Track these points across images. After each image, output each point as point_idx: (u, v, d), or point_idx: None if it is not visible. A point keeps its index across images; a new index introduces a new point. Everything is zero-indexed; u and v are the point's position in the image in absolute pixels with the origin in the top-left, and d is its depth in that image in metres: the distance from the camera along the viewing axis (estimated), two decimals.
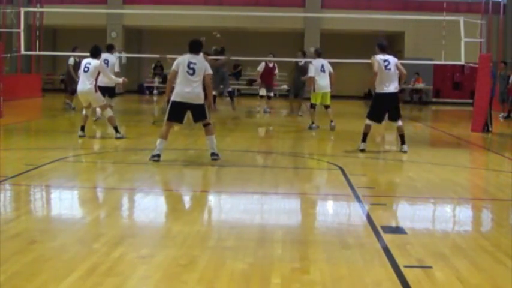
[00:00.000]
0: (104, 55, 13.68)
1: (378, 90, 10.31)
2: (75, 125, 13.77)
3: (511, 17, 26.63)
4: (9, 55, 19.91)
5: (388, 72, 10.26)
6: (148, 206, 6.78)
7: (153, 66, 29.75)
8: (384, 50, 10.46)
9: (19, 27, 16.28)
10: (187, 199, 7.26)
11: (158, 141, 8.94)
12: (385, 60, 10.30)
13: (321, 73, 13.95)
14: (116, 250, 4.75)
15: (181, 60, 9.00)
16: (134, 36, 29.55)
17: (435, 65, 25.39)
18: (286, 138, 13.57)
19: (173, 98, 8.93)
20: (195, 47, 9.11)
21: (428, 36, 23.98)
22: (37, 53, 22.13)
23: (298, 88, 17.56)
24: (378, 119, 10.60)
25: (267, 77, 18.92)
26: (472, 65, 17.27)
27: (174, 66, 9.03)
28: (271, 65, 18.99)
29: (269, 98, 19.15)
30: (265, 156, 10.39)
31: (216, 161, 8.94)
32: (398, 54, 27.31)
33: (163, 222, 6.07)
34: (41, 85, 25.24)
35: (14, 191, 7.19)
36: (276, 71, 19.24)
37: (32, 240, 4.99)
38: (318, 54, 14.24)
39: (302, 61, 17.07)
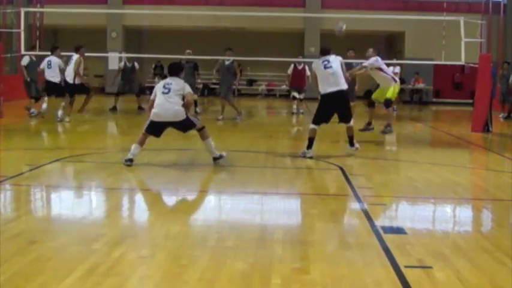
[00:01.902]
0: (48, 57, 15.37)
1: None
2: (75, 125, 13.78)
3: (511, 17, 26.63)
4: (9, 55, 19.92)
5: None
6: (148, 206, 6.78)
7: (153, 66, 29.74)
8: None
9: (19, 27, 16.28)
10: (187, 199, 7.26)
11: (133, 146, 8.72)
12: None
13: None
14: (116, 250, 4.75)
15: (158, 85, 8.89)
16: (134, 36, 29.55)
17: (435, 65, 25.40)
18: (286, 138, 13.58)
19: (152, 118, 8.75)
20: (173, 70, 8.98)
21: (428, 36, 23.98)
22: (37, 53, 22.12)
23: (225, 89, 16.69)
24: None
25: (297, 78, 18.65)
26: (472, 65, 17.26)
27: (152, 96, 8.89)
28: (300, 66, 18.69)
29: (300, 99, 18.73)
30: (265, 156, 10.38)
31: (218, 162, 8.81)
32: (399, 55, 27.44)
33: (163, 222, 6.06)
34: (42, 85, 25.22)
35: (14, 191, 7.19)
36: (308, 73, 18.48)
37: (32, 240, 4.99)
38: (378, 53, 12.56)
39: (231, 59, 16.46)
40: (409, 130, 16.94)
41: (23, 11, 16.11)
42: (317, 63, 10.08)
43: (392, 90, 12.25)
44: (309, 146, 9.94)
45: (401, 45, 27.86)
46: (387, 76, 12.30)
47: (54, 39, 30.09)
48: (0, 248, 4.68)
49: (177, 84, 8.78)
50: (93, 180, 7.96)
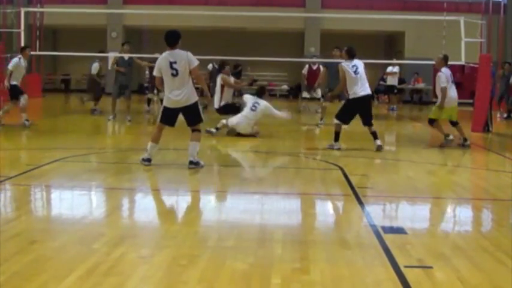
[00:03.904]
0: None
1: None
2: (75, 125, 13.78)
3: (511, 17, 26.62)
4: (9, 55, 19.90)
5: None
6: (149, 206, 6.78)
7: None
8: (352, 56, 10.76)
9: (19, 27, 16.28)
10: (187, 199, 7.26)
11: (149, 145, 8.56)
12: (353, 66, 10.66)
13: (451, 83, 11.74)
14: (116, 250, 4.75)
15: (162, 62, 8.32)
16: (134, 36, 29.55)
17: (435, 65, 25.36)
18: (286, 138, 13.56)
19: (164, 103, 8.51)
20: (170, 39, 8.31)
21: (428, 36, 23.98)
22: (37, 53, 22.10)
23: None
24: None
25: (311, 79, 18.90)
26: (472, 65, 17.26)
27: (155, 72, 8.49)
28: (315, 67, 18.83)
29: (318, 99, 18.90)
30: (265, 156, 10.38)
31: (193, 167, 8.39)
32: (398, 54, 27.43)
33: (163, 222, 6.07)
34: (41, 85, 25.25)
35: (14, 191, 7.18)
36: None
37: (32, 240, 4.99)
38: (446, 61, 11.96)
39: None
40: (409, 130, 16.94)
41: (23, 11, 16.11)
42: (347, 67, 10.65)
43: (432, 110, 12.00)
44: (336, 139, 10.81)
45: (401, 45, 27.85)
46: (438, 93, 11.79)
47: (54, 39, 30.14)
48: (0, 248, 4.68)
49: (182, 60, 8.22)
50: (93, 180, 7.95)
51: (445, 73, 11.60)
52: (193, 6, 25.49)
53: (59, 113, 18.91)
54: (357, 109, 10.72)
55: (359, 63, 10.70)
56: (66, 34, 29.95)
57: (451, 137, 11.62)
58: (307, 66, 18.99)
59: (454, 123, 11.93)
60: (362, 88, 10.62)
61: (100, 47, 19.77)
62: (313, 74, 18.65)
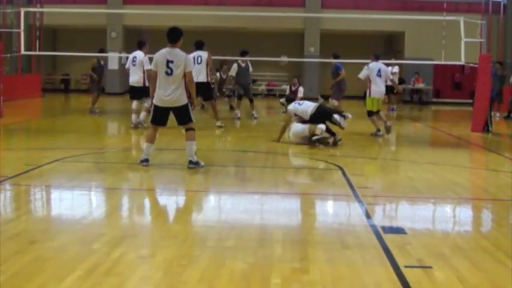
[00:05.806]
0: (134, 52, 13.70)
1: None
2: (75, 125, 13.79)
3: (511, 17, 26.62)
4: (9, 55, 19.92)
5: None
6: (148, 206, 6.79)
7: None
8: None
9: (19, 27, 16.27)
10: (187, 199, 7.26)
11: (145, 145, 8.59)
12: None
13: (376, 78, 13.25)
14: (116, 250, 4.75)
15: (159, 58, 8.32)
16: (134, 36, 29.54)
17: (435, 65, 25.38)
18: (286, 138, 13.57)
19: (154, 101, 8.47)
20: (171, 36, 8.37)
21: (428, 36, 23.99)
22: (37, 53, 22.12)
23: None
24: None
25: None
26: (472, 65, 17.26)
27: (152, 66, 8.49)
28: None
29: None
30: (265, 156, 10.38)
31: (193, 167, 8.41)
32: (398, 54, 27.44)
33: (163, 222, 6.07)
34: (41, 85, 25.25)
35: (14, 191, 7.18)
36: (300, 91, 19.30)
37: (32, 240, 4.99)
38: (377, 58, 13.62)
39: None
40: (409, 130, 16.93)
41: (23, 11, 16.09)
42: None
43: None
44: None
45: (401, 45, 27.84)
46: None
47: (53, 39, 30.13)
48: (0, 248, 4.68)
49: (179, 60, 8.23)
50: (93, 180, 7.95)
51: (369, 67, 13.30)
52: (194, 6, 25.48)
53: (59, 113, 18.89)
54: None
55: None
56: (66, 34, 29.94)
57: (380, 133, 12.98)
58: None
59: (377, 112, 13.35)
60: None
61: (100, 47, 19.75)
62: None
